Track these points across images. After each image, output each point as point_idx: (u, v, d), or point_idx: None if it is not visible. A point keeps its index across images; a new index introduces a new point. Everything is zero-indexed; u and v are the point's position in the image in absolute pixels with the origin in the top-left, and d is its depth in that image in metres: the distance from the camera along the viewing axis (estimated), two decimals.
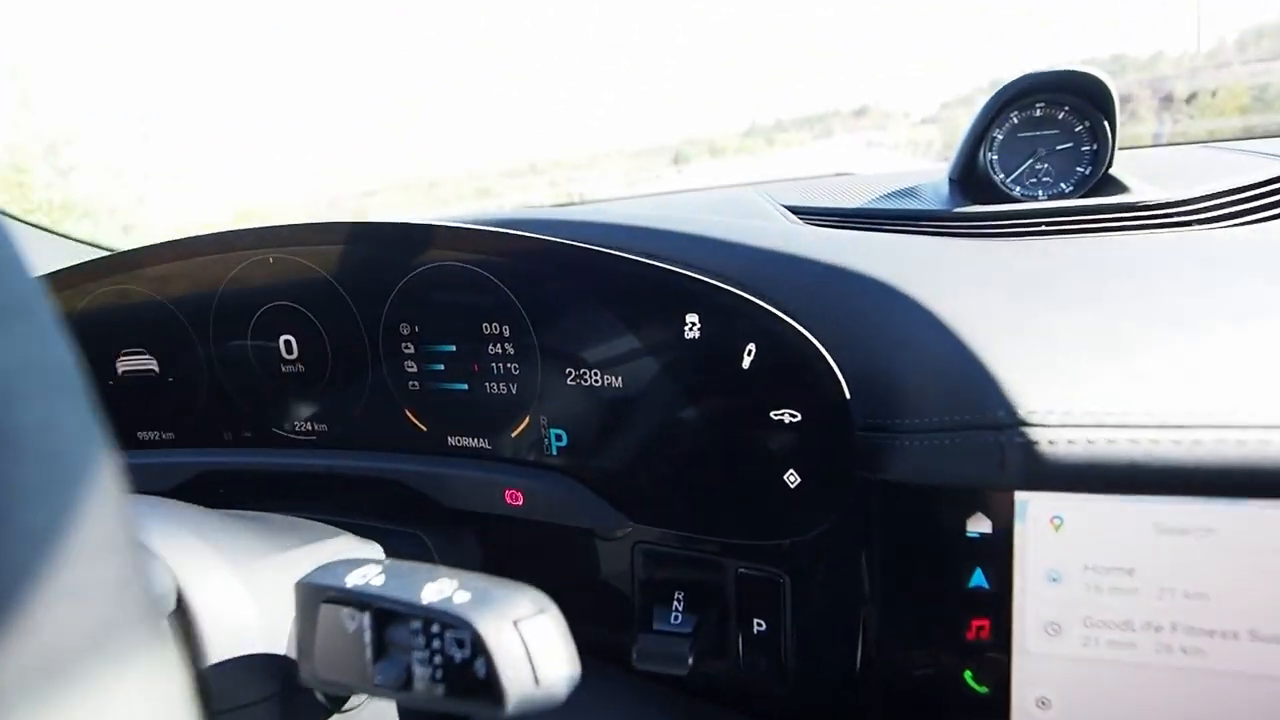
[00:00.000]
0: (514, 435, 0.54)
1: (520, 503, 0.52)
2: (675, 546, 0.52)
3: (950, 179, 0.72)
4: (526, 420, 0.53)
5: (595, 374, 0.49)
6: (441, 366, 0.55)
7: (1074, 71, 0.64)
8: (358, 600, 0.30)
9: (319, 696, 0.41)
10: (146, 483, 0.65)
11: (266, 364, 0.60)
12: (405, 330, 0.55)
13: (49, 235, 1.00)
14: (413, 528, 0.57)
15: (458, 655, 0.27)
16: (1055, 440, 0.34)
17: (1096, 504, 0.39)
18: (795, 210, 0.74)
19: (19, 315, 0.17)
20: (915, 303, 0.43)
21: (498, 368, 0.52)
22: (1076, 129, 0.67)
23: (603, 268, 0.46)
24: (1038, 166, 0.68)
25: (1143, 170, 0.67)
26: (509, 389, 0.53)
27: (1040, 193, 0.68)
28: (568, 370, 0.50)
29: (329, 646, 0.32)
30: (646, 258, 0.64)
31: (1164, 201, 0.60)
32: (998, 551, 0.41)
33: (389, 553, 0.52)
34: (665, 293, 0.44)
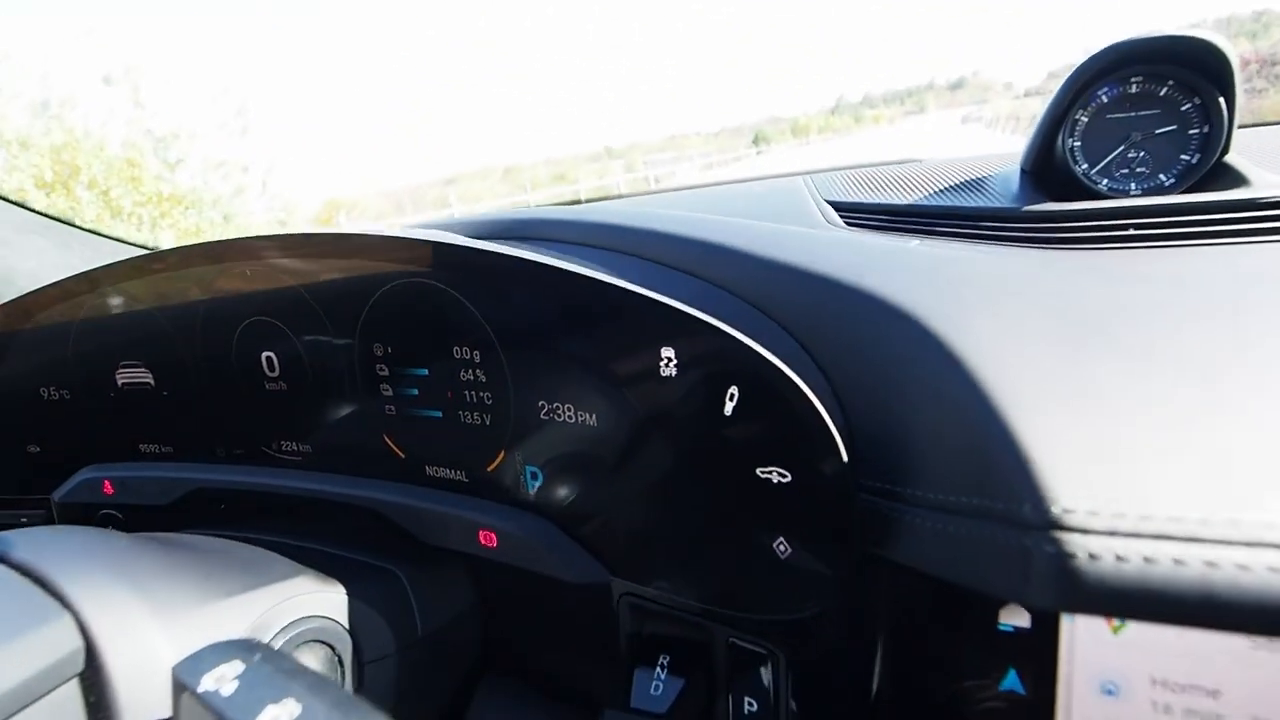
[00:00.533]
0: (490, 469, 0.49)
1: (495, 545, 0.48)
2: (664, 604, 0.46)
3: (1022, 169, 0.62)
4: (501, 454, 0.48)
5: (568, 409, 0.43)
6: (416, 391, 0.51)
7: (1180, 37, 0.52)
8: (202, 707, 0.26)
9: None
10: (148, 495, 0.65)
11: (251, 380, 0.58)
12: (379, 351, 0.51)
13: (95, 237, 1.04)
14: (393, 560, 0.53)
15: None
16: (1099, 553, 0.25)
17: None
18: (838, 206, 0.65)
19: None
20: (944, 341, 0.35)
21: (470, 395, 0.48)
22: (1183, 107, 0.55)
23: (570, 289, 0.40)
24: (1131, 155, 0.57)
25: (1268, 156, 0.54)
26: (483, 419, 0.48)
27: (1133, 186, 0.57)
28: (540, 403, 0.44)
29: None
30: (657, 263, 0.58)
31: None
32: (1038, 652, 0.33)
33: (354, 590, 0.49)
34: (639, 322, 0.38)
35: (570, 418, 0.43)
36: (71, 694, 0.36)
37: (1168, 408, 0.29)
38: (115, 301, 0.62)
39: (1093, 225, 0.50)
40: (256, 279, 0.55)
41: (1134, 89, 0.56)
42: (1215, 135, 0.53)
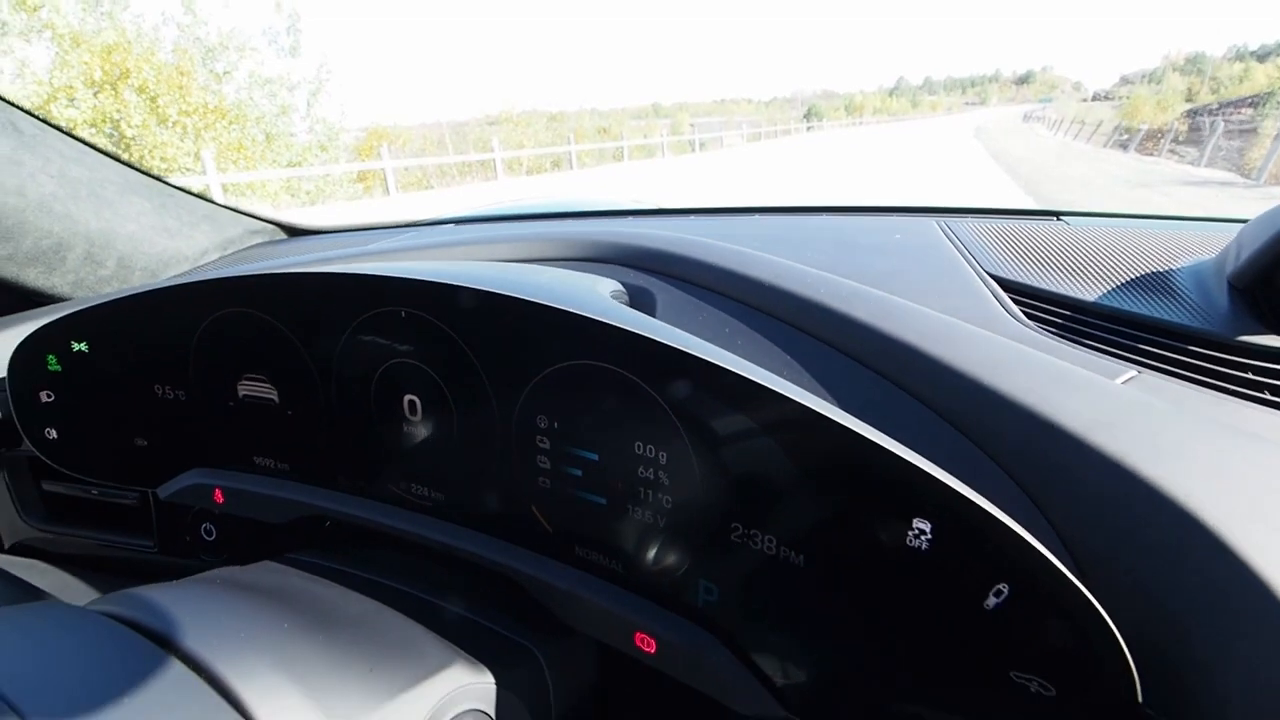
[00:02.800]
0: (654, 570, 0.46)
1: (653, 651, 0.45)
2: None
3: (1230, 283, 0.56)
4: (672, 559, 0.45)
5: (771, 541, 0.40)
6: (580, 473, 0.47)
7: None
8: None
9: None
10: (262, 512, 0.63)
11: (388, 418, 0.55)
12: (543, 424, 0.48)
13: (195, 200, 1.00)
14: (528, 635, 0.51)
15: None
16: None
17: None
18: (1010, 288, 0.61)
19: None
20: (1240, 555, 0.31)
21: (646, 494, 0.45)
22: None
23: (814, 436, 0.36)
24: None
25: None
26: (657, 520, 0.45)
27: None
28: (734, 525, 0.41)
29: None
30: (809, 336, 0.54)
31: None
32: None
33: (497, 671, 0.47)
34: (889, 482, 0.34)
35: (771, 549, 0.40)
36: None
37: None
38: (247, 311, 0.59)
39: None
40: (413, 320, 0.51)
41: None
42: None
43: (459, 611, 0.53)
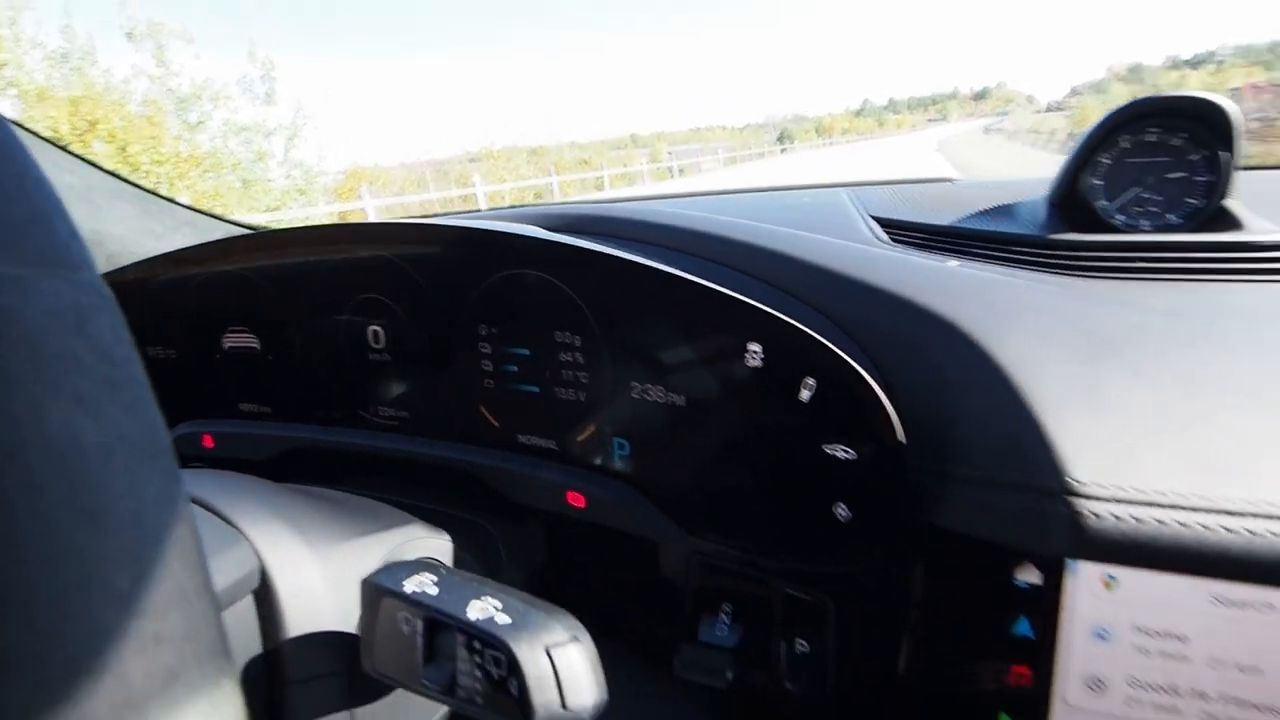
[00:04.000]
0: (580, 440, 0.57)
1: (583, 505, 0.56)
2: (729, 562, 0.54)
3: (1049, 201, 0.69)
4: (592, 427, 0.56)
5: (659, 390, 0.51)
6: (515, 368, 0.58)
7: (1194, 97, 0.60)
8: (412, 605, 0.34)
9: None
10: (247, 450, 0.72)
11: (355, 352, 0.66)
12: (484, 331, 0.59)
13: (199, 215, 1.11)
14: (481, 517, 0.61)
15: (495, 672, 0.31)
16: (1100, 514, 0.34)
17: (1153, 572, 0.39)
18: (883, 223, 0.73)
19: (113, 390, 0.19)
20: (989, 352, 0.43)
21: (568, 374, 0.56)
22: (1191, 157, 0.63)
23: (674, 291, 0.48)
24: (1145, 195, 0.65)
25: (1261, 201, 0.62)
26: (578, 395, 0.56)
27: (1145, 223, 0.64)
28: (633, 383, 0.52)
29: (387, 643, 0.36)
30: (727, 268, 0.66)
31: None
32: (1045, 603, 0.41)
33: (457, 540, 0.57)
34: (731, 320, 0.46)
35: (660, 398, 0.51)
36: (248, 607, 0.44)
37: (1158, 412, 0.37)
38: (229, 273, 0.69)
39: (1108, 257, 0.58)
40: (372, 261, 0.62)
41: (1151, 138, 0.64)
42: (1218, 183, 0.61)
43: (423, 505, 0.63)
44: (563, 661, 0.30)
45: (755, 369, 0.46)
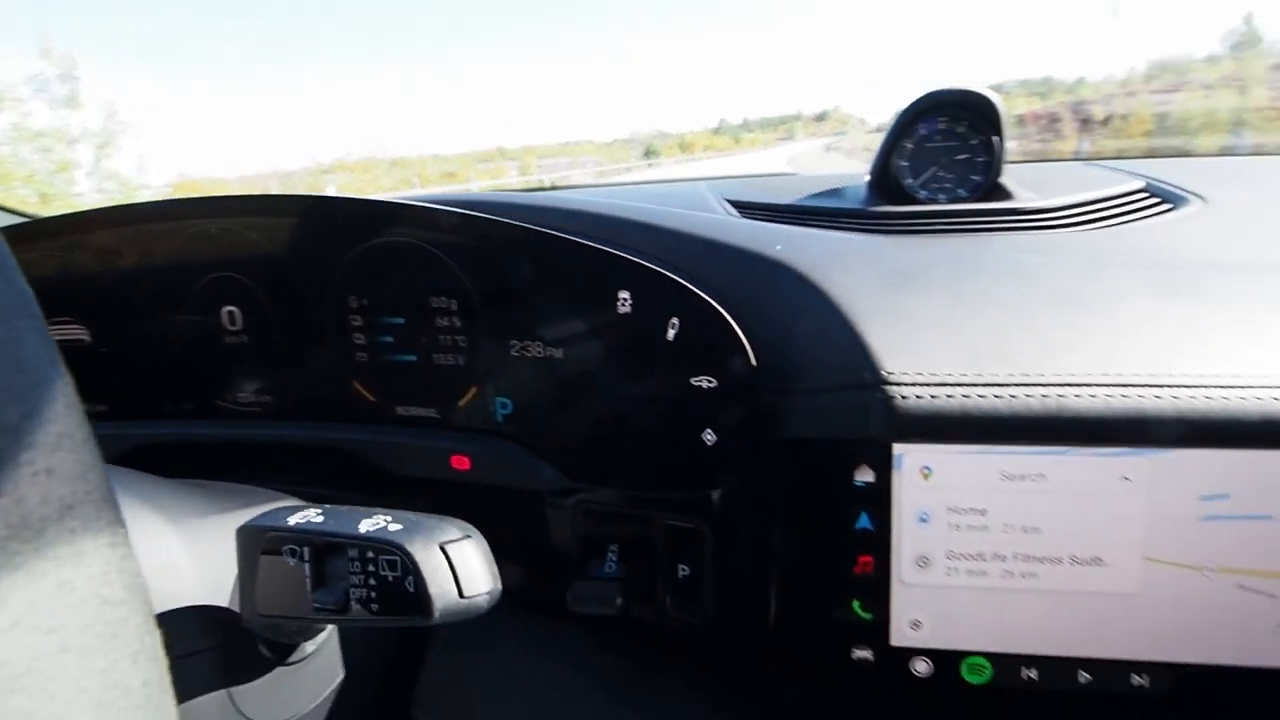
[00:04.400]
0: (462, 404, 0.58)
1: (468, 467, 0.57)
2: (613, 505, 0.57)
3: (869, 182, 0.80)
4: (474, 390, 0.57)
5: (537, 346, 0.54)
6: (390, 339, 0.58)
7: (970, 91, 0.73)
8: (298, 537, 0.34)
9: (261, 649, 0.43)
10: None
11: (208, 336, 0.62)
12: (354, 303, 0.58)
13: None
14: (360, 495, 0.60)
15: (390, 576, 0.32)
16: (909, 396, 0.42)
17: (956, 457, 0.47)
18: (735, 204, 0.81)
19: None
20: (818, 288, 0.50)
21: (446, 339, 0.57)
22: (972, 142, 0.76)
23: (544, 247, 0.51)
24: (940, 174, 0.77)
25: (1027, 181, 0.76)
26: (457, 360, 0.57)
27: (941, 196, 0.77)
28: (512, 343, 0.54)
29: (270, 584, 0.35)
30: (596, 242, 0.70)
31: (1041, 208, 0.69)
32: (879, 497, 0.48)
33: None
34: (601, 271, 0.50)
35: (539, 353, 0.54)
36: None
37: (943, 319, 0.46)
38: (47, 255, 0.63)
39: (912, 222, 0.69)
40: (223, 236, 0.59)
41: (941, 126, 0.76)
42: (992, 164, 0.75)
43: (293, 488, 0.60)
44: (457, 555, 0.32)
45: (625, 315, 0.50)
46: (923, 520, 0.49)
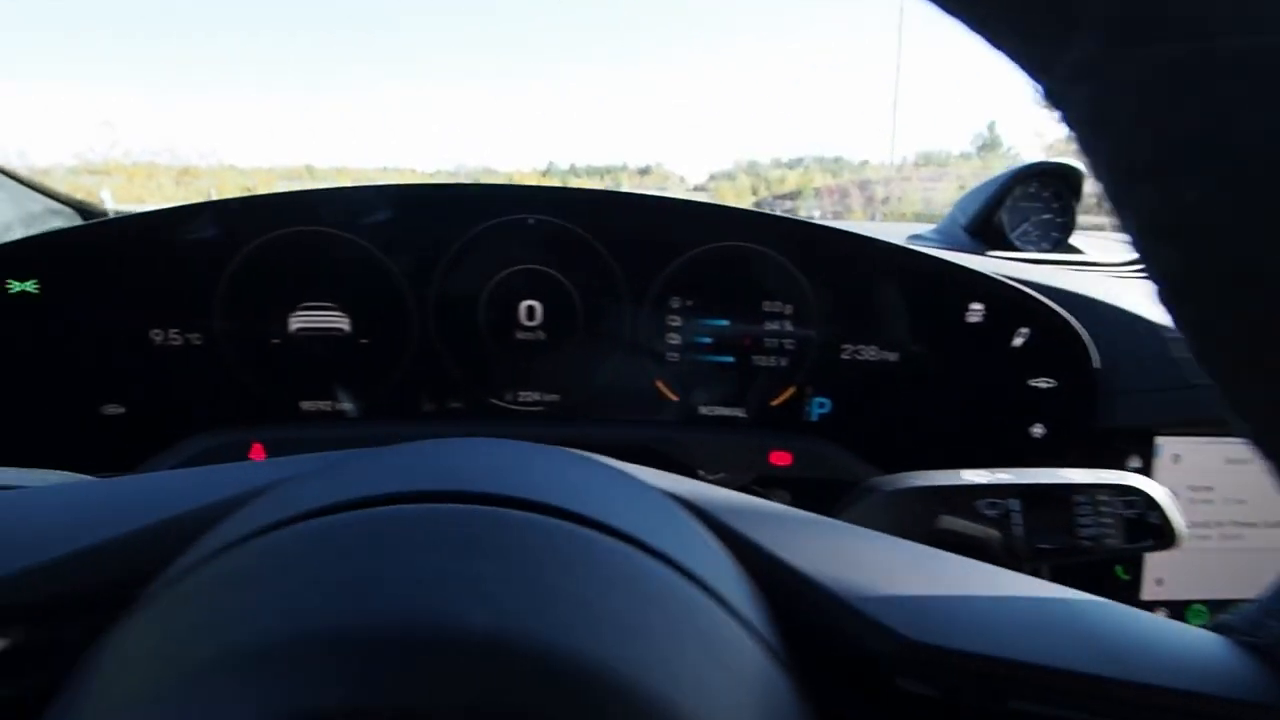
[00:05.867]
0: (774, 404, 0.61)
1: (789, 462, 0.60)
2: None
3: (965, 229, 0.96)
4: (791, 390, 0.61)
5: (871, 349, 0.59)
6: (709, 340, 0.60)
7: (1065, 164, 0.92)
8: (997, 489, 0.38)
9: None
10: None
11: (500, 329, 0.59)
12: (675, 304, 0.59)
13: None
14: None
15: (1130, 514, 0.39)
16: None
17: (1196, 446, 0.61)
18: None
19: None
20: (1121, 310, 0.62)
21: (772, 343, 0.60)
22: (1053, 205, 0.95)
23: (905, 263, 0.58)
24: (1027, 229, 0.95)
25: (1094, 240, 0.97)
26: (779, 362, 0.60)
27: (1029, 247, 0.95)
28: (844, 346, 0.59)
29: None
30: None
31: (1110, 261, 0.89)
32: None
33: None
34: (958, 284, 0.57)
35: (872, 356, 0.59)
36: None
37: None
38: (318, 231, 0.55)
39: (1044, 262, 0.85)
40: (541, 229, 0.57)
41: (1032, 189, 0.95)
42: (1069, 224, 0.94)
43: None
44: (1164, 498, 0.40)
45: (973, 324, 0.58)
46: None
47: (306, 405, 0.58)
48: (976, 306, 0.58)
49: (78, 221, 0.90)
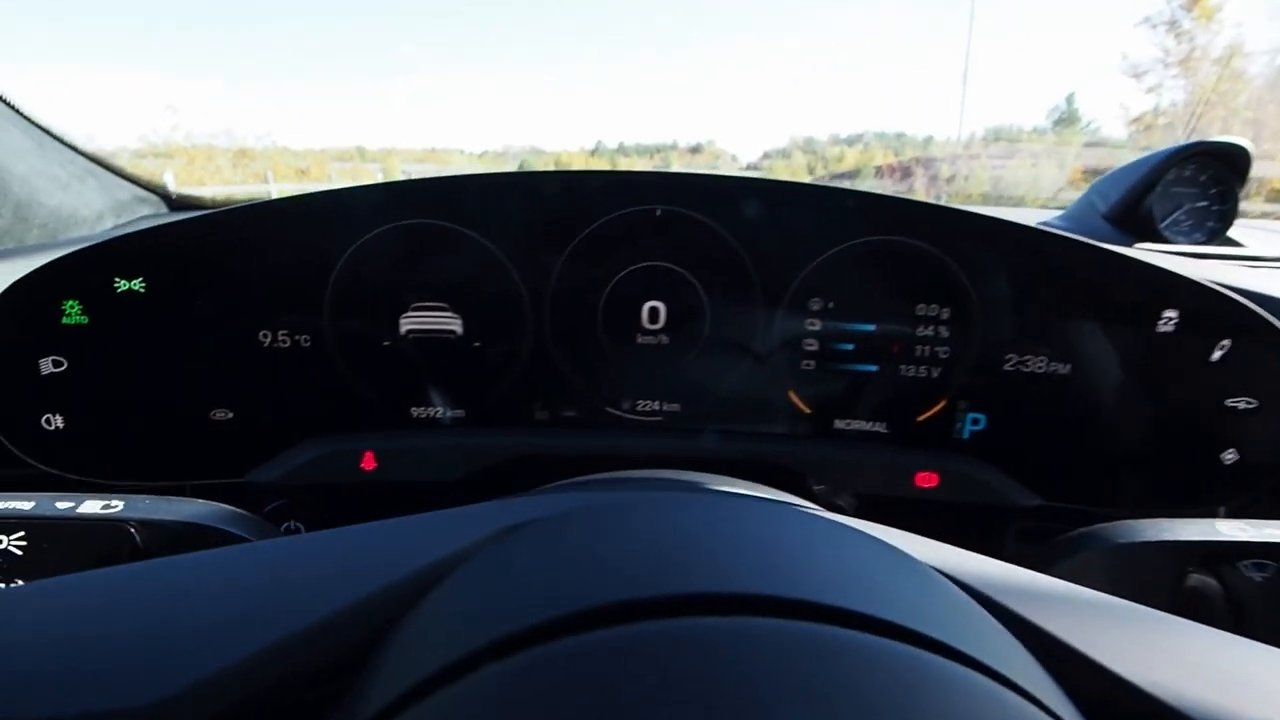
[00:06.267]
0: (921, 419, 0.55)
1: (935, 484, 0.53)
2: (1055, 522, 0.57)
3: (1106, 217, 0.86)
4: (943, 403, 0.54)
5: (1040, 360, 0.52)
6: (851, 346, 0.54)
7: (1230, 143, 0.81)
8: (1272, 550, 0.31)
9: None
10: (430, 469, 0.53)
11: (620, 332, 0.54)
12: (815, 306, 0.53)
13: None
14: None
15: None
16: None
17: None
18: None
19: None
20: None
21: (923, 350, 0.53)
22: (1211, 191, 0.85)
23: (1082, 259, 0.50)
24: (1180, 218, 0.85)
25: (1252, 233, 0.86)
26: (930, 372, 0.53)
27: (1180, 238, 0.84)
28: (1009, 356, 0.52)
29: None
30: None
31: (1271, 255, 0.79)
32: None
33: None
34: (1149, 288, 0.49)
35: (1041, 368, 0.52)
36: None
37: None
38: (430, 224, 0.51)
39: (1202, 255, 0.75)
40: (668, 222, 0.52)
41: (1188, 172, 0.84)
42: (1229, 212, 0.84)
43: None
44: None
45: (1165, 334, 0.50)
46: None
47: (416, 411, 0.54)
48: (1170, 314, 0.50)
49: (164, 209, 0.89)
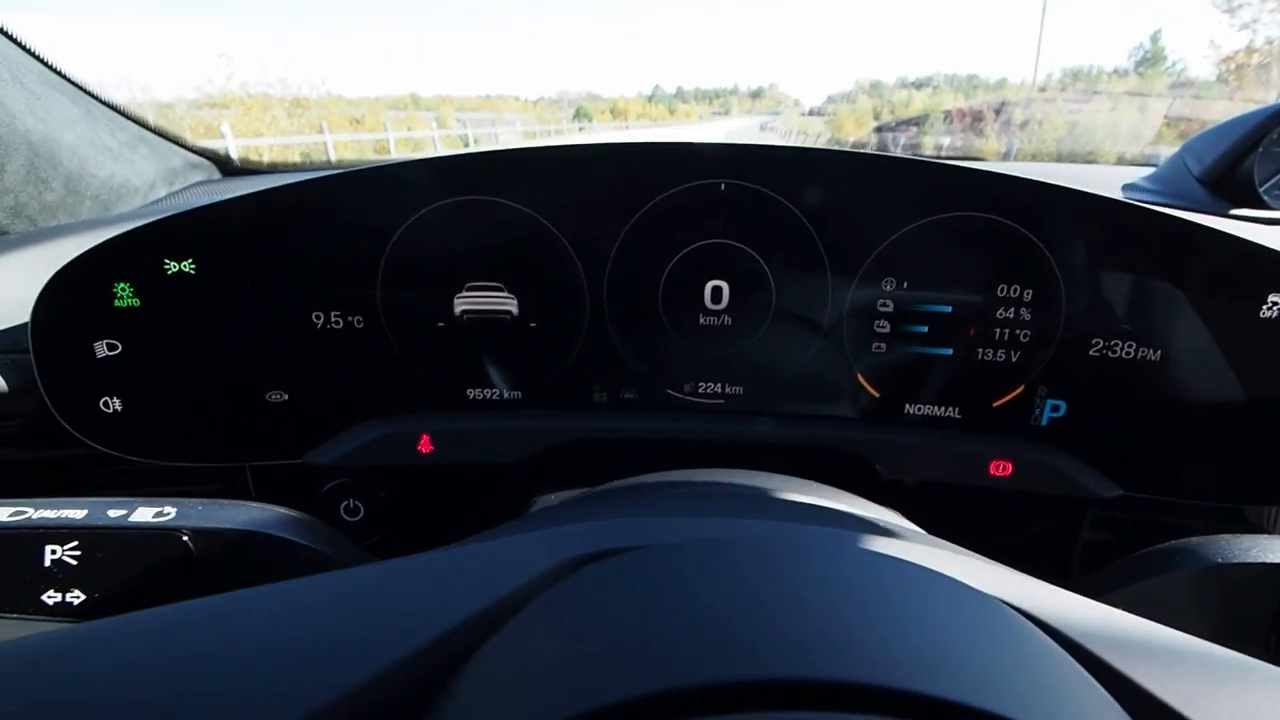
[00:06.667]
0: (996, 405, 0.52)
1: (1009, 473, 0.51)
2: (1131, 513, 0.54)
3: (1201, 180, 0.80)
4: (1020, 389, 0.51)
5: (1129, 346, 0.49)
6: (925, 329, 0.51)
7: None
8: None
9: None
10: (487, 452, 0.53)
11: (681, 312, 0.52)
12: (888, 286, 0.50)
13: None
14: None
15: None
16: None
17: None
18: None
19: None
20: None
21: (1002, 334, 0.50)
22: None
23: (1181, 239, 0.46)
24: None
25: None
26: (1009, 356, 0.50)
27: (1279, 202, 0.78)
28: (1095, 340, 0.49)
29: None
30: None
31: None
32: None
33: None
34: (1253, 270, 0.45)
35: (1128, 353, 0.49)
36: None
37: None
38: (483, 200, 0.49)
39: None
40: (734, 197, 0.49)
41: None
42: None
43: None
44: None
45: (1268, 320, 0.46)
46: None
47: (472, 393, 0.53)
48: (1275, 299, 0.45)
49: (216, 174, 0.88)
